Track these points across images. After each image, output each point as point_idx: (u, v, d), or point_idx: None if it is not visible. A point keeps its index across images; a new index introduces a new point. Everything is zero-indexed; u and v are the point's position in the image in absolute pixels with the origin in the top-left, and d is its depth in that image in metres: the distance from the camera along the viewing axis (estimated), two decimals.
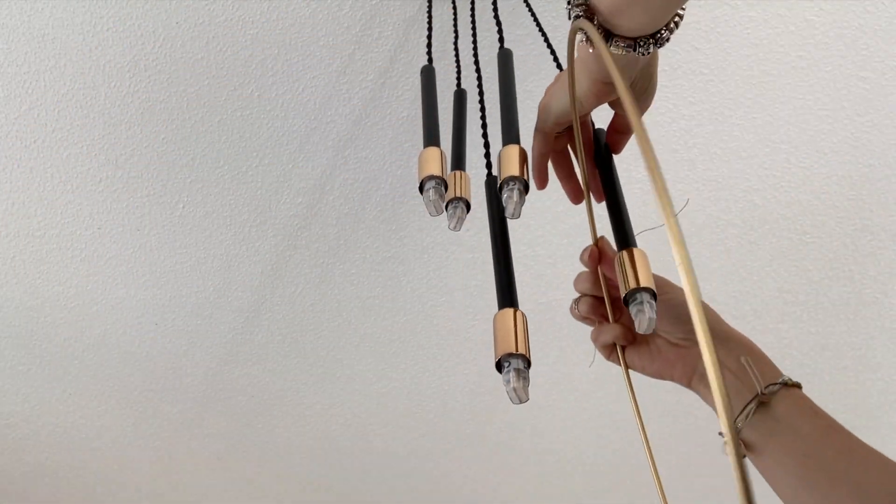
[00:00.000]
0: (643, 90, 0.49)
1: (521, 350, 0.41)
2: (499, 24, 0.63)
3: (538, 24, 0.66)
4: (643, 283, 0.45)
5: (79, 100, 0.87)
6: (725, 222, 1.05)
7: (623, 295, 0.46)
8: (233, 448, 1.38)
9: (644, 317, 0.44)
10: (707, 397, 0.53)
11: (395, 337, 1.18)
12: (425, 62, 0.66)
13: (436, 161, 0.54)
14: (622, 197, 0.52)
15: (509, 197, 0.48)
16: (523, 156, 0.49)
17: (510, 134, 0.51)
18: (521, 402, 0.41)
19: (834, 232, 1.06)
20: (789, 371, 0.51)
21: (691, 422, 1.30)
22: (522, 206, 0.48)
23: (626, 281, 0.46)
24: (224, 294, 1.10)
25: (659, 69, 0.49)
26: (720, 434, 0.48)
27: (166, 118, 0.90)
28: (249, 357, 1.20)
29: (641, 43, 0.40)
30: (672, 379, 0.56)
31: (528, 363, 0.41)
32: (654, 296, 0.45)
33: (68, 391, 1.24)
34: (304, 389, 1.26)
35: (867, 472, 0.44)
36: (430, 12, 0.76)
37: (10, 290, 1.07)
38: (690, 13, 0.83)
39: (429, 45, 0.68)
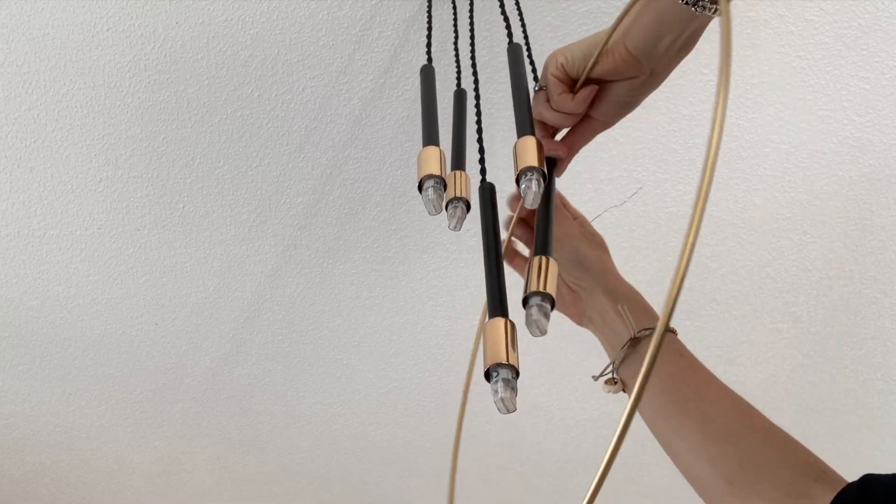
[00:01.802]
0: (675, 55, 0.49)
1: (511, 360, 0.40)
2: (506, 19, 0.63)
3: (522, 22, 0.66)
4: (548, 289, 0.45)
5: (79, 100, 0.87)
6: (725, 222, 1.05)
7: (524, 294, 0.47)
8: (233, 448, 1.38)
9: (532, 319, 0.45)
10: (596, 333, 0.61)
11: (395, 337, 1.18)
12: (425, 62, 0.66)
13: (435, 160, 0.54)
14: (552, 211, 0.53)
15: (528, 187, 0.48)
16: (540, 146, 0.49)
17: (524, 126, 0.51)
18: (508, 412, 0.40)
19: (834, 232, 1.06)
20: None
21: None
22: (541, 195, 0.48)
23: (529, 282, 0.46)
24: (224, 294, 1.10)
25: None
26: (594, 378, 0.58)
27: (166, 118, 0.90)
28: (249, 357, 1.20)
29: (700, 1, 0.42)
30: (566, 314, 0.65)
31: (516, 374, 0.40)
32: (552, 303, 0.46)
33: (68, 391, 1.24)
34: (304, 389, 1.26)
35: (713, 406, 0.50)
36: (429, 12, 0.76)
37: (10, 290, 1.07)
38: None
39: (428, 45, 0.68)
